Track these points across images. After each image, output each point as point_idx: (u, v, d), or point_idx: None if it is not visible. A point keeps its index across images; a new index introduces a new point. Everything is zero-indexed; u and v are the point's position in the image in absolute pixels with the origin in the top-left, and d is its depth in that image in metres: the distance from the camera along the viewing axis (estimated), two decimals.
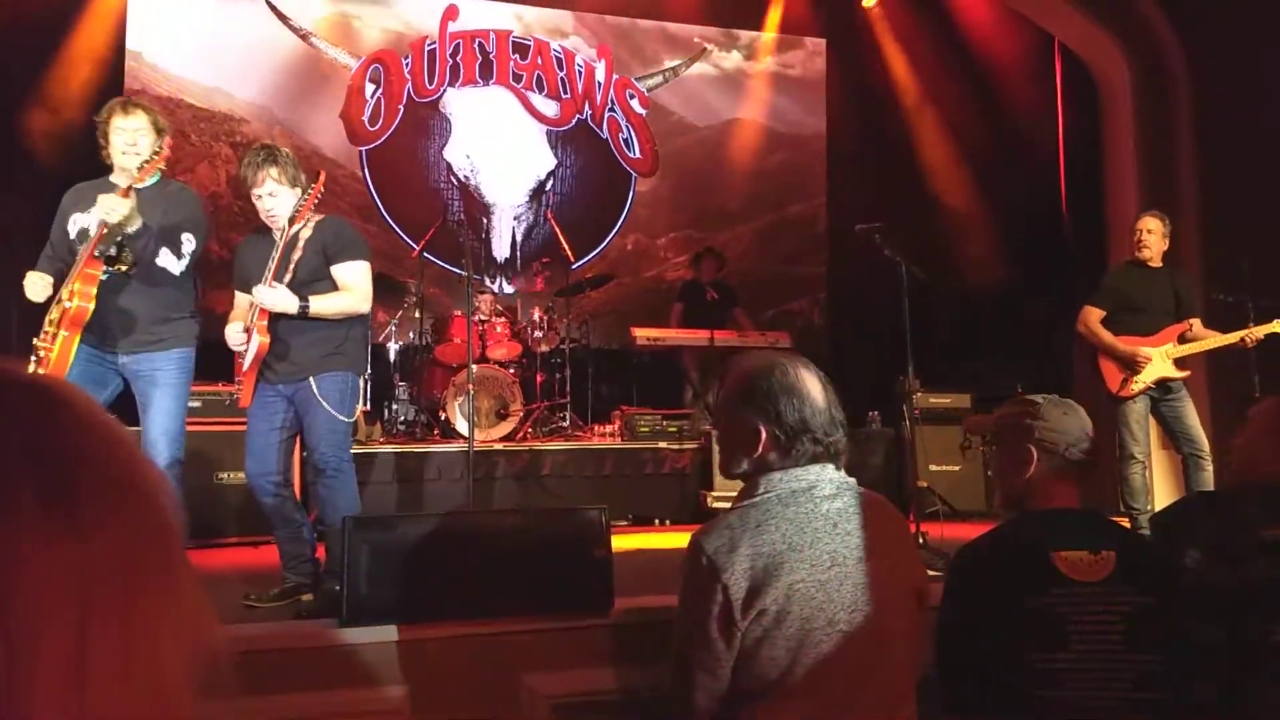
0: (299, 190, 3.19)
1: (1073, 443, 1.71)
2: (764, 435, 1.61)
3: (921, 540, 4.07)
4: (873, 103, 7.54)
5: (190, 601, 0.51)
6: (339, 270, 3.18)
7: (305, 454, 3.34)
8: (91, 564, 0.47)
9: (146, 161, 3.16)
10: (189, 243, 3.21)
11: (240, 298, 3.33)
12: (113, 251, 3.05)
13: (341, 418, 3.15)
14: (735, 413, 1.66)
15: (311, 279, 3.12)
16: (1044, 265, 6.72)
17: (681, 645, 1.57)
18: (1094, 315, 4.49)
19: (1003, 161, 6.92)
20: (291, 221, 3.16)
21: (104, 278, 3.04)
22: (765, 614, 1.48)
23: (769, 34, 7.92)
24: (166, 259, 3.15)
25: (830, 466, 1.63)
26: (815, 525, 1.54)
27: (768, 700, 1.50)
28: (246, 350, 3.16)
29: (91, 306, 3.01)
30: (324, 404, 3.10)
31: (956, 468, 5.69)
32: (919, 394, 5.37)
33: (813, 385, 1.64)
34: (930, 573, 3.39)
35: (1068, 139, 6.90)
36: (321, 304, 3.12)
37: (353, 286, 3.19)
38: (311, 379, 3.12)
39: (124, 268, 3.09)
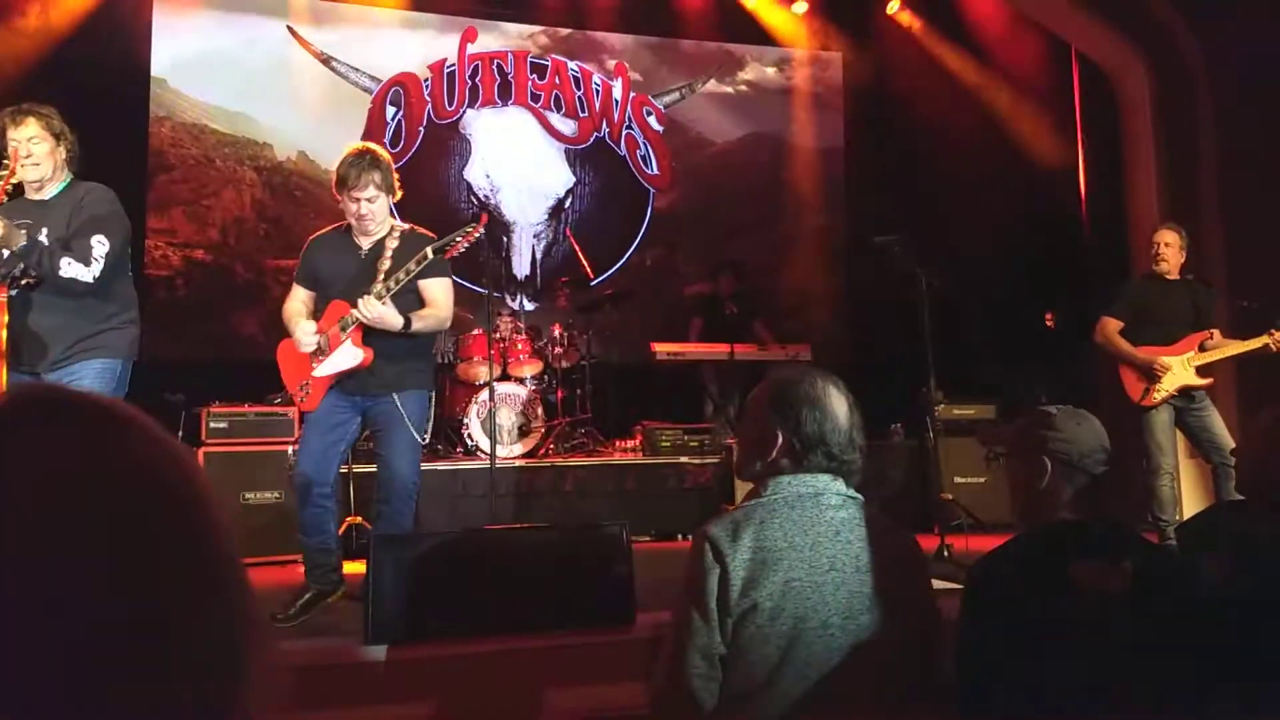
0: (391, 198, 3.22)
1: (1086, 453, 1.71)
2: (780, 441, 1.66)
3: (946, 553, 4.04)
4: (890, 115, 7.54)
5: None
6: (428, 285, 3.15)
7: (379, 470, 3.24)
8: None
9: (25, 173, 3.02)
10: (100, 245, 3.01)
11: (299, 292, 3.31)
12: (2, 272, 2.92)
13: (420, 437, 3.17)
14: (757, 416, 1.72)
15: (402, 292, 3.09)
16: (1065, 274, 6.68)
17: (678, 630, 1.60)
18: (1111, 326, 4.46)
19: (1022, 170, 6.89)
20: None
21: (12, 295, 2.93)
22: (760, 608, 1.52)
23: (785, 49, 7.95)
24: (73, 269, 2.95)
25: (840, 481, 1.68)
26: (818, 529, 1.59)
27: (758, 699, 1.53)
28: (324, 356, 3.13)
29: (3, 334, 2.89)
30: (408, 423, 3.10)
31: (981, 479, 5.64)
32: (942, 405, 5.34)
33: (838, 403, 1.70)
34: (954, 585, 3.37)
35: (1087, 147, 6.86)
36: (421, 323, 3.11)
37: (441, 303, 3.18)
38: (395, 396, 3.10)
39: (28, 281, 2.95)
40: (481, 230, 3.19)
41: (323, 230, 3.41)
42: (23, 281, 2.95)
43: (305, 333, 3.15)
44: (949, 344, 4.47)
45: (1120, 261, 6.20)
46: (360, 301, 3.01)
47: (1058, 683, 1.54)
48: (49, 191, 3.13)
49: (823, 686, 1.51)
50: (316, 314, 3.28)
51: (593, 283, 6.61)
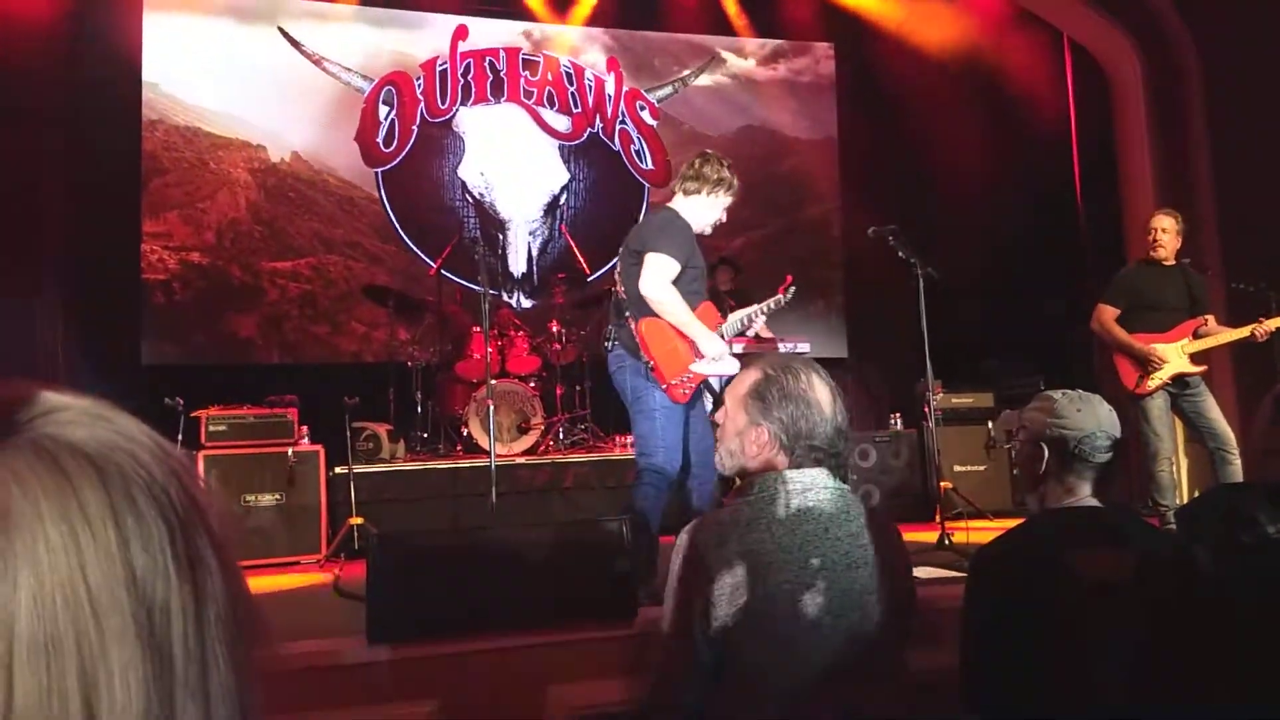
0: None
1: (1085, 438, 1.69)
2: (764, 435, 1.62)
3: (946, 541, 4.05)
4: (883, 105, 7.53)
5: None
6: None
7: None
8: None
9: None
10: None
11: (674, 297, 3.27)
12: None
13: None
14: (737, 410, 1.68)
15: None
16: (1061, 262, 6.68)
17: (667, 639, 1.60)
18: (1108, 313, 4.47)
19: (1016, 159, 6.89)
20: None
21: None
22: (749, 612, 1.49)
23: (777, 41, 7.94)
24: None
25: (827, 473, 1.64)
26: (806, 528, 1.55)
27: (748, 701, 1.52)
28: (720, 364, 3.24)
29: None
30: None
31: (981, 468, 5.66)
32: (940, 395, 5.35)
33: (822, 393, 1.65)
34: (955, 574, 3.38)
35: (1081, 135, 6.86)
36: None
37: None
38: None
39: None
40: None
41: (672, 215, 3.39)
42: None
43: (718, 343, 3.25)
44: (946, 333, 4.47)
45: (1116, 248, 6.20)
46: (732, 318, 3.40)
47: (1061, 671, 1.54)
48: None
49: (814, 684, 1.50)
50: None
51: (589, 279, 6.60)
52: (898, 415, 5.84)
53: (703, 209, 3.37)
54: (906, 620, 1.65)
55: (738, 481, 1.71)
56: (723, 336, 3.30)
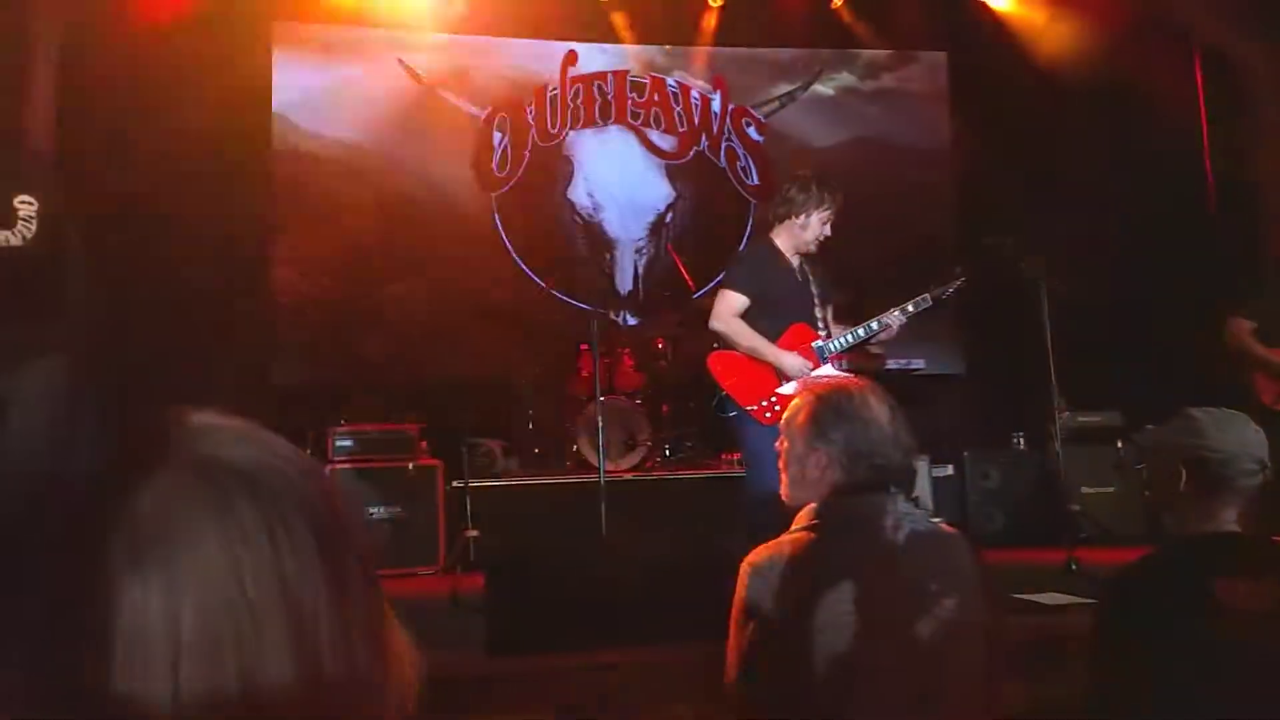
0: None
1: (1227, 460, 1.59)
2: (824, 459, 1.60)
3: (1074, 566, 3.87)
4: (1001, 113, 7.30)
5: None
6: None
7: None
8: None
9: None
10: (28, 206, 2.66)
11: (743, 304, 3.48)
12: None
13: None
14: (795, 438, 1.66)
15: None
16: (1193, 272, 6.30)
17: (731, 669, 1.56)
18: (1243, 327, 4.25)
19: (1141, 167, 6.56)
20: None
21: None
22: (809, 646, 1.43)
23: (886, 51, 7.81)
24: None
25: (895, 496, 1.57)
26: (872, 556, 1.49)
27: None
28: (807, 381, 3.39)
29: None
30: None
31: (1110, 489, 5.38)
32: (1066, 413, 5.12)
33: (878, 410, 1.62)
34: (1082, 600, 3.22)
35: (1213, 138, 6.48)
36: None
37: None
38: None
39: None
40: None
41: (753, 247, 3.65)
42: None
43: (799, 361, 3.40)
44: (1070, 347, 4.29)
45: (1251, 257, 5.82)
46: (834, 339, 3.49)
47: (1201, 706, 1.45)
48: None
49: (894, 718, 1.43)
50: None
51: (695, 295, 6.62)
52: (1020, 434, 5.61)
53: (798, 231, 3.54)
54: (996, 650, 1.56)
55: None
56: (822, 355, 3.45)
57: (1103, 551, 4.11)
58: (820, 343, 3.49)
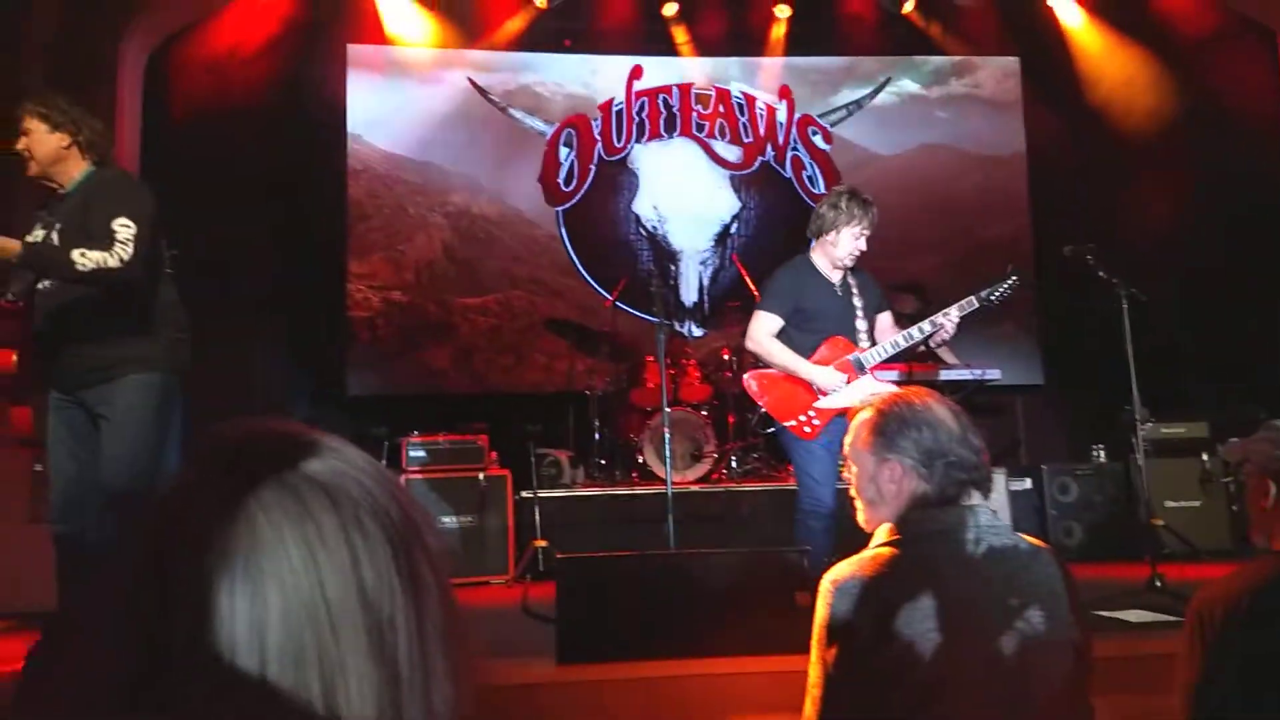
0: None
1: None
2: (898, 469, 1.54)
3: (1159, 583, 3.73)
4: (1076, 118, 7.11)
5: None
6: None
7: None
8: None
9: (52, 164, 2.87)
10: (125, 229, 2.70)
11: (778, 324, 3.55)
12: (17, 289, 2.79)
13: None
14: (861, 455, 1.61)
15: None
16: (1275, 283, 6.04)
17: (812, 688, 1.51)
18: None
19: (1225, 168, 6.31)
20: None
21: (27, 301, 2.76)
22: (890, 665, 1.39)
23: (956, 57, 7.68)
24: (92, 258, 2.65)
25: (976, 508, 1.52)
26: (953, 572, 1.44)
27: None
28: (841, 395, 3.44)
29: (14, 357, 2.70)
30: None
31: (1196, 503, 5.18)
32: (1148, 424, 4.95)
33: (941, 412, 1.58)
34: (1168, 617, 3.10)
35: None
36: None
37: None
38: None
39: (42, 283, 2.77)
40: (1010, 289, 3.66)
41: (787, 266, 3.71)
42: (38, 286, 2.77)
43: (834, 375, 3.47)
44: (1152, 358, 4.14)
45: None
46: (872, 349, 3.52)
47: None
48: (68, 186, 2.90)
49: None
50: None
51: None
52: (1101, 446, 5.44)
53: (829, 247, 3.60)
54: (1083, 664, 1.49)
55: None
56: (860, 366, 3.49)
57: (1187, 567, 3.95)
58: (857, 355, 3.52)
